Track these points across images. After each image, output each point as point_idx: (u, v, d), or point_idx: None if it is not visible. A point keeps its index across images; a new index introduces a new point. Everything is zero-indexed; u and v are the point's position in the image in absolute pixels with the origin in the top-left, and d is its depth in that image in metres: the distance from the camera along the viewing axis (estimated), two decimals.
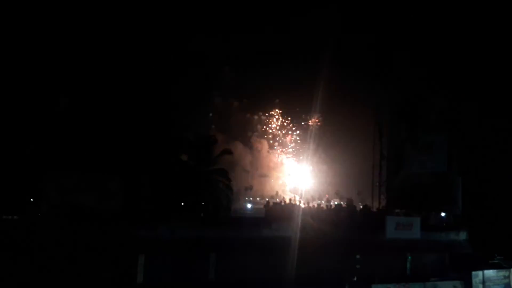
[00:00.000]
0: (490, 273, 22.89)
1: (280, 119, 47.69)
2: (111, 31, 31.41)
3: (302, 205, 42.09)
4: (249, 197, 42.54)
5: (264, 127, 47.11)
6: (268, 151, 47.22)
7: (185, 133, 32.01)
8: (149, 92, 31.23)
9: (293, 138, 48.51)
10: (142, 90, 30.86)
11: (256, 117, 45.65)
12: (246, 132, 44.56)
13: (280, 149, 47.45)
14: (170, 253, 19.78)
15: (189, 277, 19.74)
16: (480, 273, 22.55)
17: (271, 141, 47.45)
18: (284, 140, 48.47)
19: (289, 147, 48.09)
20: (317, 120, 46.44)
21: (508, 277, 23.35)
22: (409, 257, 24.38)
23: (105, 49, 30.90)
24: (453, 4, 35.04)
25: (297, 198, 44.58)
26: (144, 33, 32.78)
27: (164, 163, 27.35)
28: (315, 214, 27.15)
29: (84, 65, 30.02)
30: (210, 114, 39.74)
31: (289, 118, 46.87)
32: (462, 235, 26.90)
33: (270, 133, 46.89)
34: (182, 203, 26.74)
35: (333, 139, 44.47)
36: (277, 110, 46.93)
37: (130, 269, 18.99)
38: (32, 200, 23.89)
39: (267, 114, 46.37)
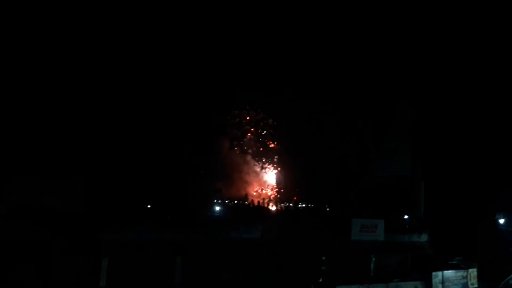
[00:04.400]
0: (449, 273, 23.82)
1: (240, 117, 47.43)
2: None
3: (272, 207, 42.31)
4: (217, 200, 42.25)
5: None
6: (228, 150, 46.75)
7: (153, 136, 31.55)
8: (114, 94, 30.73)
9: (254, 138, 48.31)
10: (108, 94, 30.35)
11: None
12: (206, 131, 43.75)
13: (240, 148, 46.96)
14: (135, 256, 19.41)
15: (154, 281, 19.45)
16: (439, 273, 23.42)
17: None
18: (245, 140, 48.11)
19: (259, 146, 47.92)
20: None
21: (466, 277, 24.33)
22: (373, 259, 24.93)
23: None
24: (423, 19, 36.37)
25: (266, 200, 44.73)
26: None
27: (129, 165, 26.91)
28: (283, 217, 27.39)
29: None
30: None
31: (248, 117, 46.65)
32: (424, 237, 27.68)
33: (229, 132, 46.40)
34: (148, 206, 26.33)
35: (300, 141, 44.73)
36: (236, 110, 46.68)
37: (93, 273, 18.53)
38: None
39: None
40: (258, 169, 47.29)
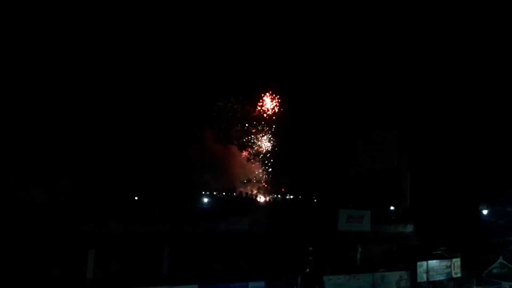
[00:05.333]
0: (433, 263, 24.25)
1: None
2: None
3: (260, 199, 42.47)
4: (206, 191, 42.23)
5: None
6: (214, 142, 46.54)
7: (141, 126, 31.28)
8: (98, 87, 30.34)
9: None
10: (91, 85, 30.00)
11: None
12: (191, 122, 43.28)
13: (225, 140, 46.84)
14: (122, 248, 19.30)
15: (141, 273, 19.37)
16: (424, 263, 23.82)
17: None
18: (231, 132, 48.00)
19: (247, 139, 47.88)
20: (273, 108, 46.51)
21: (450, 266, 24.79)
22: (359, 249, 25.20)
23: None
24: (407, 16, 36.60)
25: (255, 192, 44.89)
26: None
27: (116, 158, 26.67)
28: (271, 208, 27.50)
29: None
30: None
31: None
32: (409, 228, 28.04)
33: (215, 124, 46.20)
34: (136, 198, 26.20)
35: (288, 133, 44.83)
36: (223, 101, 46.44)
37: (79, 264, 18.40)
38: None
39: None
40: (245, 161, 47.32)
